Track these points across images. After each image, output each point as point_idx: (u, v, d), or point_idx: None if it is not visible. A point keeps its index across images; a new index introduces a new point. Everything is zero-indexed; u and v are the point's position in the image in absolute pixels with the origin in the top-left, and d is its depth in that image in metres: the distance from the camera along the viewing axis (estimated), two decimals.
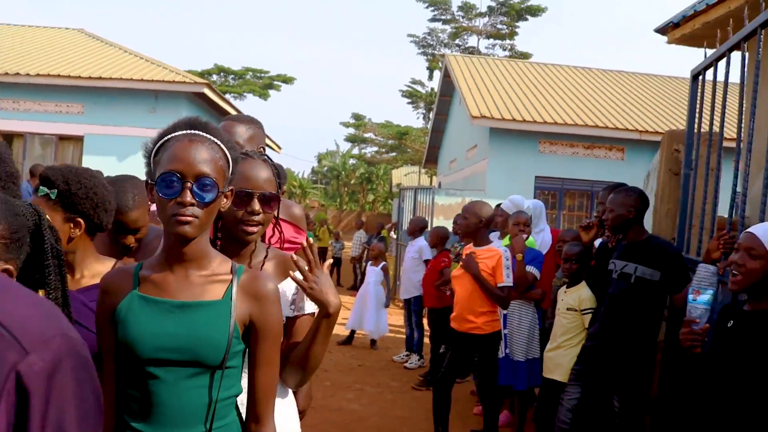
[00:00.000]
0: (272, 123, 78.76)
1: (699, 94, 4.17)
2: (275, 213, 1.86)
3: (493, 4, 30.89)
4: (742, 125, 3.50)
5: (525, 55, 31.59)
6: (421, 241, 7.79)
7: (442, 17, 31.59)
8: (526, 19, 31.11)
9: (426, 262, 7.37)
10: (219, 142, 1.51)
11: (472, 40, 32.38)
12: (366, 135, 31.87)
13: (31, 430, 0.61)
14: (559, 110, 15.04)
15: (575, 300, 4.16)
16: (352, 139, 32.66)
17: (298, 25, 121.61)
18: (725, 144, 3.95)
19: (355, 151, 35.06)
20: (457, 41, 32.10)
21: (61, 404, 0.64)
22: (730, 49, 3.78)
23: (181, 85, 12.42)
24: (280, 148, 19.68)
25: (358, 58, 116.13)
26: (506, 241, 5.05)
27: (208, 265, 1.54)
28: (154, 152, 1.50)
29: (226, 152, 1.52)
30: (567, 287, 4.29)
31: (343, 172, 35.19)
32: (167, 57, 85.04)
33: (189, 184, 1.42)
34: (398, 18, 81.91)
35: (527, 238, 4.90)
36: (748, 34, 3.48)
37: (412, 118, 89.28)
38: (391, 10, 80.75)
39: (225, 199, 1.53)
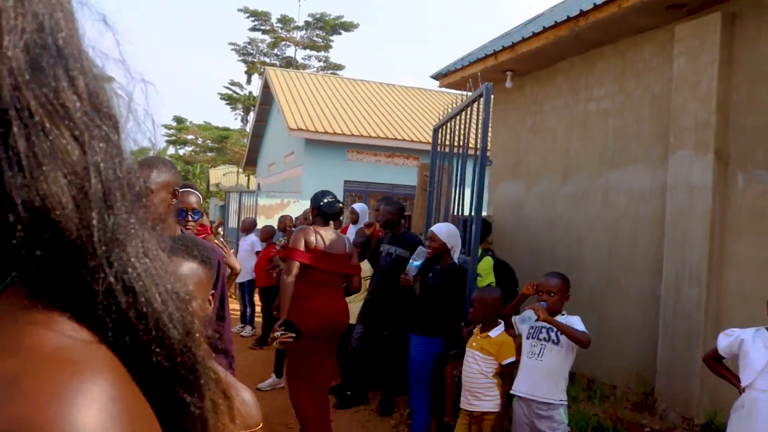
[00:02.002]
0: None
1: (438, 141, 6.61)
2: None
3: (310, 18, 33.07)
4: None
5: (338, 66, 34.11)
6: (253, 237, 9.71)
7: (262, 27, 33.14)
8: (340, 33, 33.61)
9: (257, 252, 9.32)
10: None
11: (290, 51, 34.30)
12: (188, 137, 32.53)
13: (220, 280, 2.57)
14: (365, 124, 17.43)
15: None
16: (173, 142, 33.13)
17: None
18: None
19: (171, 149, 35.47)
20: (276, 51, 33.85)
21: (223, 277, 2.61)
22: (459, 112, 6.15)
23: None
24: None
25: (176, 58, 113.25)
26: None
27: None
28: None
29: None
30: None
31: None
32: None
33: None
34: (218, 20, 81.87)
35: None
36: (469, 102, 5.79)
37: (230, 119, 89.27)
38: (212, 13, 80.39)
39: None
